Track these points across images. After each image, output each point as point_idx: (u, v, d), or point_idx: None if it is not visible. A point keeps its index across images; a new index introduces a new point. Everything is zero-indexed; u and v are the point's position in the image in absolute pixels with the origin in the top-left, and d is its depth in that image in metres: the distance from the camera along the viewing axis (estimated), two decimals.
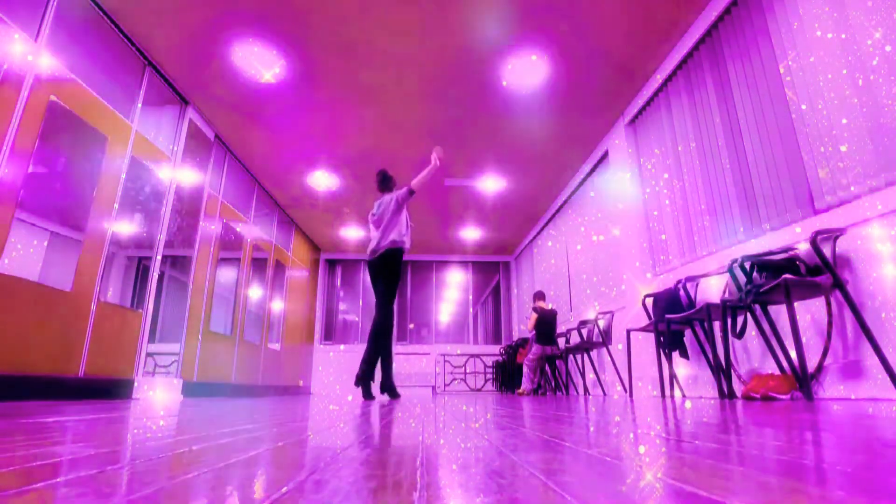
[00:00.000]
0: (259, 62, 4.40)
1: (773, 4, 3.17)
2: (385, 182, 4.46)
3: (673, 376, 3.74)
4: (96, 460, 0.58)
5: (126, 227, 4.10)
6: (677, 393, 3.91)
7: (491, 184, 6.92)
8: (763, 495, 0.39)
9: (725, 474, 0.48)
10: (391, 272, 4.11)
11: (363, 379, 4.00)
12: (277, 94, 4.91)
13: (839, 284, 2.36)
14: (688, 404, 2.33)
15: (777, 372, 2.87)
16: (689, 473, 0.48)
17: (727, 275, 3.23)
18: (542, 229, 8.44)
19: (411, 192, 4.22)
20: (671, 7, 3.79)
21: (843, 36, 2.65)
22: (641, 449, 0.66)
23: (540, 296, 6.52)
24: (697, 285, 3.74)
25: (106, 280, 3.81)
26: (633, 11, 3.83)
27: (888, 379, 2.21)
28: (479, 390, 9.81)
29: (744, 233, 3.44)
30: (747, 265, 2.74)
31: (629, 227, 5.09)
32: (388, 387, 4.09)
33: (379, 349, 4.04)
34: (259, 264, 7.10)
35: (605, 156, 5.79)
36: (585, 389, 6.00)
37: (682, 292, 3.71)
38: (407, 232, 4.27)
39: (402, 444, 0.79)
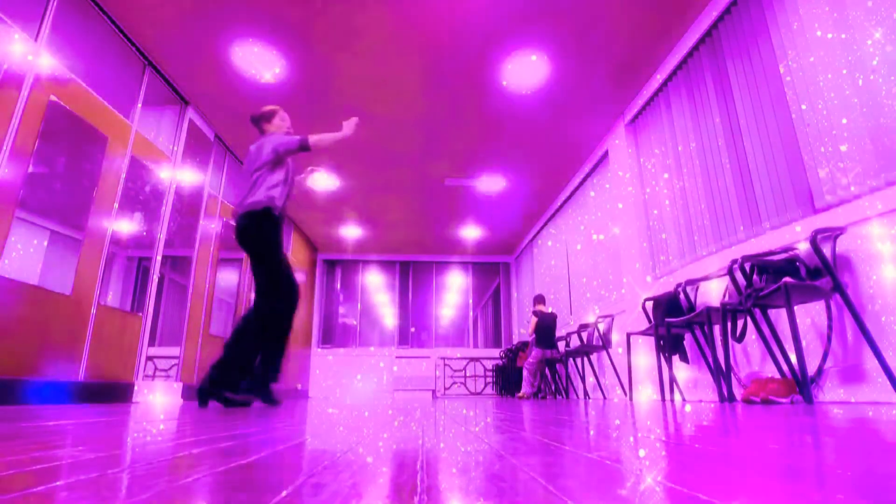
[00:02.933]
0: (259, 62, 4.41)
1: (773, 4, 3.18)
2: (261, 121, 3.45)
3: (673, 380, 3.74)
4: (96, 464, 0.58)
5: (126, 227, 4.09)
6: (677, 396, 3.91)
7: (491, 183, 6.93)
8: (763, 499, 0.39)
9: (726, 478, 0.48)
10: (255, 243, 3.09)
11: (221, 386, 2.92)
12: (277, 94, 4.92)
13: (839, 288, 2.36)
14: (688, 408, 2.33)
15: (777, 375, 2.87)
16: (690, 477, 0.48)
17: (727, 278, 3.23)
18: (541, 228, 8.43)
19: (303, 147, 3.22)
20: (671, 7, 3.80)
21: (843, 36, 2.66)
22: (641, 452, 0.66)
23: (540, 299, 6.52)
24: (697, 289, 3.74)
25: (106, 283, 3.81)
26: (633, 11, 3.84)
27: (888, 382, 2.21)
28: (479, 394, 9.80)
29: (744, 232, 3.44)
30: (747, 266, 2.74)
31: (629, 227, 5.10)
32: (268, 388, 3.12)
33: (249, 347, 3.02)
34: None
35: (605, 155, 5.80)
36: (585, 393, 5.99)
37: (682, 296, 3.71)
38: (282, 190, 3.26)
39: (402, 447, 0.79)
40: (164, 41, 4.17)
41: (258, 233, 3.09)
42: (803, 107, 2.93)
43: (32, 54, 3.16)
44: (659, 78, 4.52)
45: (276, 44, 4.20)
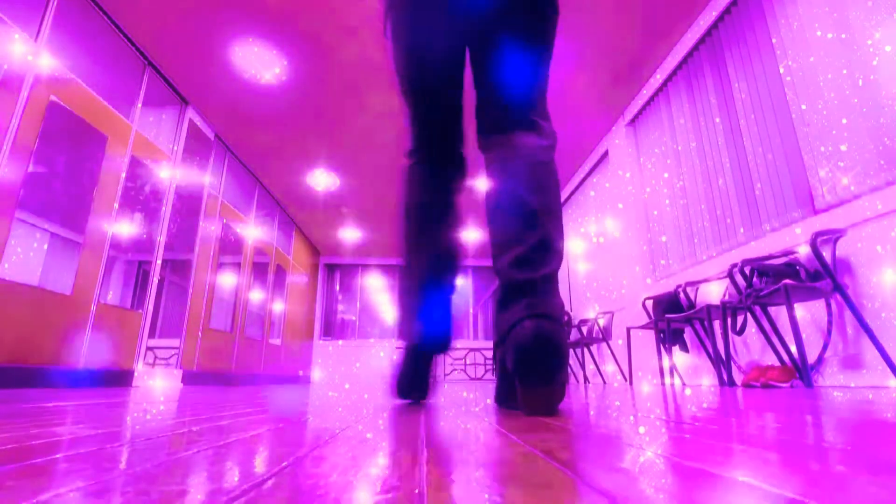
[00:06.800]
0: (259, 62, 4.41)
1: (773, 4, 3.18)
2: None
3: (673, 367, 3.74)
4: (96, 439, 0.58)
5: (126, 228, 4.09)
6: (677, 381, 3.91)
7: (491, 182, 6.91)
8: (765, 470, 0.39)
9: (727, 452, 0.48)
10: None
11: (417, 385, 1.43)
12: (278, 94, 4.91)
13: (839, 289, 2.36)
14: (688, 391, 2.33)
15: (777, 364, 2.87)
16: (691, 451, 0.48)
17: (727, 280, 3.23)
18: None
19: None
20: (671, 7, 3.80)
21: (844, 36, 2.66)
22: (641, 429, 0.66)
23: None
24: (697, 289, 3.74)
25: (106, 284, 3.81)
26: (632, 11, 3.84)
27: (888, 369, 2.22)
28: (479, 379, 9.94)
29: (744, 234, 3.44)
30: (747, 270, 2.74)
31: (629, 228, 5.10)
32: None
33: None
34: (260, 269, 7.09)
35: (605, 155, 5.80)
36: (585, 378, 6.01)
37: (682, 296, 3.71)
38: None
39: (403, 424, 0.79)
40: (164, 41, 4.17)
41: None
42: (803, 107, 2.93)
43: (32, 54, 3.16)
44: (659, 78, 4.52)
45: (276, 44, 4.19)
